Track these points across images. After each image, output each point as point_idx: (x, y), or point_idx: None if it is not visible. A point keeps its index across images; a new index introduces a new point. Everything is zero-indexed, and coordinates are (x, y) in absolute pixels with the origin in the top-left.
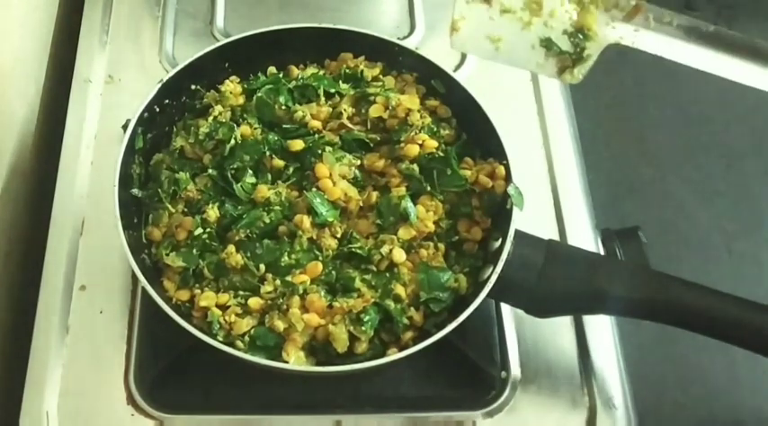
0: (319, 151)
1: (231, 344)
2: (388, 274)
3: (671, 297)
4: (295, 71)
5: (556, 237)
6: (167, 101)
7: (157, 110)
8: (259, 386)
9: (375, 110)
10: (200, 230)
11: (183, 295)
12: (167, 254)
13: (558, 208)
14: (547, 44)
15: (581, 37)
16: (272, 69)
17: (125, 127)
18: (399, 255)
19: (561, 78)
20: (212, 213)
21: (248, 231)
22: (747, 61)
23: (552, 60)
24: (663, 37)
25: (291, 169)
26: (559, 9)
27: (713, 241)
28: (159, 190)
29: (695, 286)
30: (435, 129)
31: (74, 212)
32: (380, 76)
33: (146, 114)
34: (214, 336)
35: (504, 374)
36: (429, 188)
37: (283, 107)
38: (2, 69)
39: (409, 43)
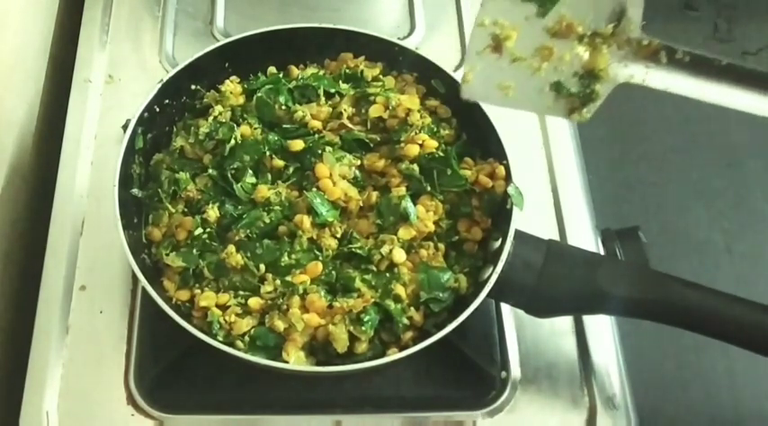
0: (319, 151)
1: (231, 344)
2: (388, 274)
3: (671, 297)
4: (295, 71)
5: (556, 237)
6: (167, 101)
7: (157, 110)
8: (259, 386)
9: (375, 110)
10: (200, 230)
11: (183, 295)
12: (167, 254)
13: (558, 208)
14: (557, 87)
15: (591, 78)
16: (272, 69)
17: (125, 127)
18: (399, 255)
19: (570, 118)
20: (212, 213)
21: (248, 231)
22: (762, 93)
23: (562, 102)
24: (674, 74)
25: (291, 169)
26: (570, 52)
27: (713, 241)
28: (159, 190)
29: (695, 286)
30: (435, 129)
31: (74, 212)
32: (380, 76)
33: (146, 114)
34: (214, 336)
35: (504, 374)
36: (429, 188)
37: (283, 107)
38: (2, 69)
39: (409, 43)
